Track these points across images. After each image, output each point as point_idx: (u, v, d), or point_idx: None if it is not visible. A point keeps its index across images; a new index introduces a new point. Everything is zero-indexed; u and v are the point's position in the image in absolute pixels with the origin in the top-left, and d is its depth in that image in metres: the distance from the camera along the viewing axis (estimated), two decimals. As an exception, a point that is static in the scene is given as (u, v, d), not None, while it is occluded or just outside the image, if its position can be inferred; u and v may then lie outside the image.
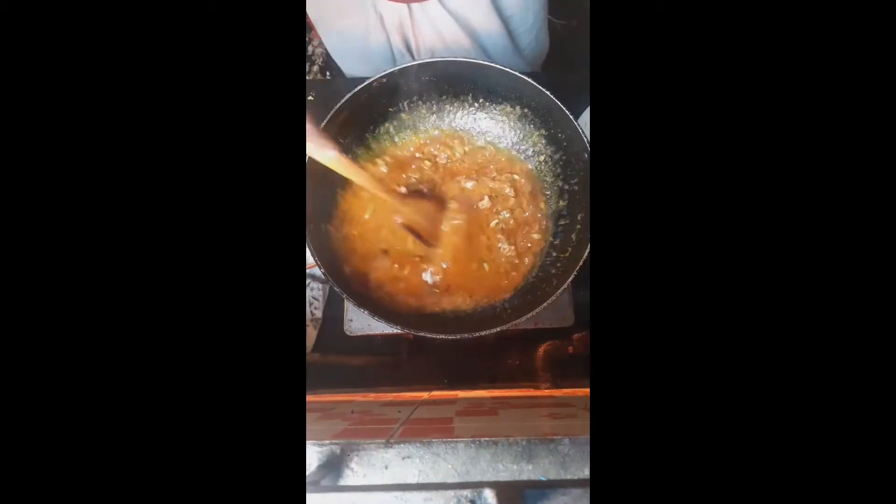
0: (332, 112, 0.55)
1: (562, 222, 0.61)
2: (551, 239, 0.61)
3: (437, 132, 0.65)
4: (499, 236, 0.61)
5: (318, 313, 0.69)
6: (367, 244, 0.61)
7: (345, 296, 0.51)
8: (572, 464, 0.32)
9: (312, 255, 0.52)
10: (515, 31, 0.76)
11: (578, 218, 0.58)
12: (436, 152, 0.64)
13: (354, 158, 0.62)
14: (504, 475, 0.32)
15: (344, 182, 0.59)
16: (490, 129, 0.64)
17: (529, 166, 0.63)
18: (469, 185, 0.62)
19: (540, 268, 0.60)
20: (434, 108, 0.64)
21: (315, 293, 0.70)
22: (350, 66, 0.87)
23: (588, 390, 0.53)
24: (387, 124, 0.63)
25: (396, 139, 0.64)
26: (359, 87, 0.56)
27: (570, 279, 0.50)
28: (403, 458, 0.32)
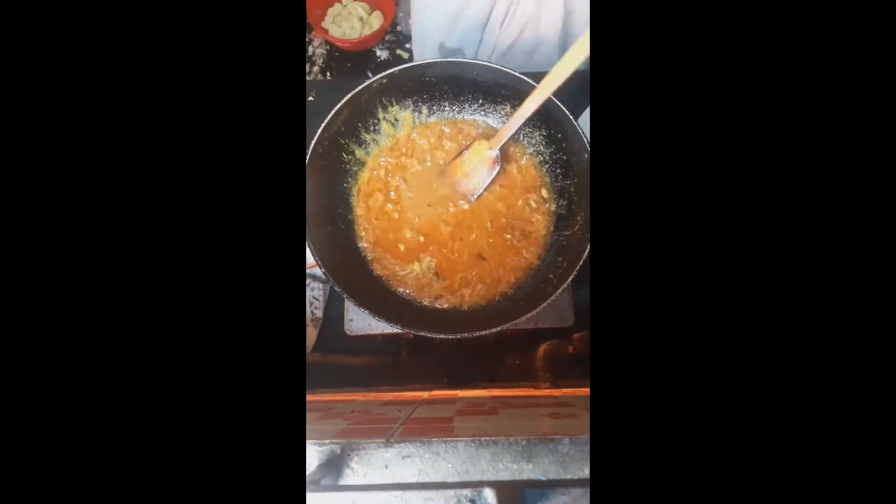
0: (332, 112, 0.55)
1: (562, 222, 0.61)
2: (551, 238, 0.61)
3: (437, 131, 0.65)
4: (501, 234, 0.61)
5: (318, 313, 0.69)
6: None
7: (345, 296, 0.51)
8: (572, 464, 0.32)
9: (312, 255, 0.52)
10: None
11: (578, 218, 0.58)
12: (436, 150, 0.64)
13: (355, 158, 0.62)
14: (504, 475, 0.32)
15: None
16: (490, 128, 0.64)
17: (530, 168, 0.64)
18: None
19: (540, 267, 0.60)
20: (434, 108, 0.64)
21: (315, 293, 0.70)
22: (426, 45, 0.85)
23: (588, 390, 0.53)
24: (387, 124, 0.63)
25: (397, 138, 0.64)
26: (359, 87, 0.56)
27: (570, 279, 0.50)
28: (403, 458, 0.32)
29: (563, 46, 0.76)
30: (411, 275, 0.60)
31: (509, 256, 0.60)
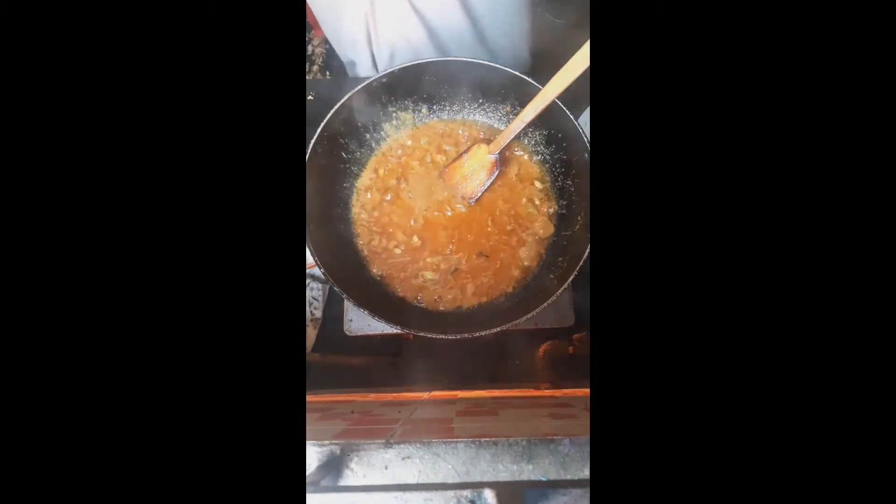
0: (331, 112, 0.55)
1: (562, 222, 0.61)
2: (551, 238, 0.61)
3: (437, 130, 0.65)
4: (501, 234, 0.61)
5: (318, 313, 0.69)
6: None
7: (345, 296, 0.51)
8: (572, 464, 0.32)
9: (312, 255, 0.52)
10: (485, 32, 0.73)
11: (578, 218, 0.58)
12: (436, 150, 0.64)
13: (354, 158, 0.62)
14: (504, 475, 0.32)
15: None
16: (490, 128, 0.64)
17: (530, 167, 0.64)
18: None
19: (540, 267, 0.60)
20: (434, 107, 0.64)
21: (315, 293, 0.70)
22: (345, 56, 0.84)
23: (588, 390, 0.53)
24: (387, 124, 0.63)
25: (397, 137, 0.64)
26: (359, 87, 0.56)
27: (570, 279, 0.50)
28: (403, 459, 0.32)
29: (478, 30, 0.74)
30: (426, 279, 0.60)
31: (509, 256, 0.60)
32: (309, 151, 0.54)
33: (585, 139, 0.54)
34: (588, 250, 0.50)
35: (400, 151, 0.64)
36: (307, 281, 0.70)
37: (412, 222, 0.61)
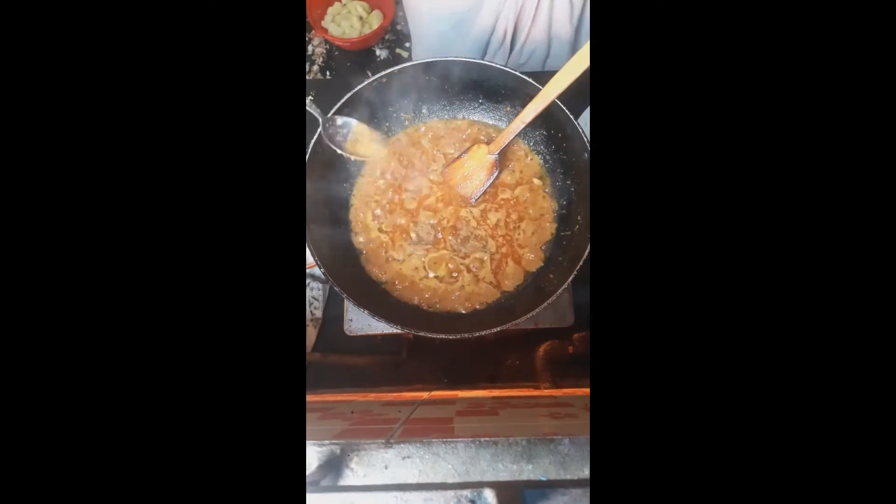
0: (332, 111, 0.55)
1: (562, 222, 0.61)
2: (551, 238, 0.61)
3: (437, 130, 0.65)
4: (501, 234, 0.61)
5: (318, 313, 0.69)
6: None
7: (345, 296, 0.51)
8: (572, 464, 0.32)
9: (312, 255, 0.52)
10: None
11: (578, 218, 0.58)
12: (436, 150, 0.64)
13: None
14: (504, 475, 0.32)
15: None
16: (490, 128, 0.64)
17: (530, 167, 0.63)
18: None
19: (540, 267, 0.60)
20: (434, 107, 0.64)
21: (315, 293, 0.70)
22: (428, 47, 0.85)
23: (588, 390, 0.53)
24: (387, 124, 0.63)
25: (397, 137, 0.64)
26: (359, 87, 0.56)
27: (570, 279, 0.50)
28: (403, 458, 0.32)
29: (574, 47, 0.78)
30: (426, 279, 0.60)
31: (509, 256, 0.60)
32: (309, 151, 0.54)
33: (585, 139, 0.54)
34: (588, 250, 0.50)
35: (402, 150, 0.64)
36: (307, 281, 0.70)
37: (413, 221, 0.61)
